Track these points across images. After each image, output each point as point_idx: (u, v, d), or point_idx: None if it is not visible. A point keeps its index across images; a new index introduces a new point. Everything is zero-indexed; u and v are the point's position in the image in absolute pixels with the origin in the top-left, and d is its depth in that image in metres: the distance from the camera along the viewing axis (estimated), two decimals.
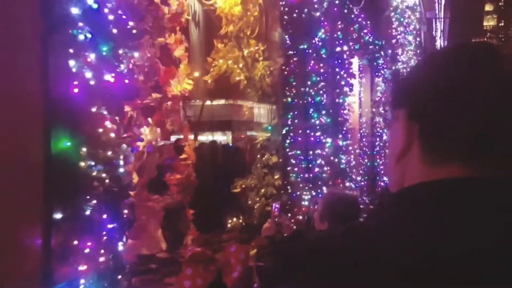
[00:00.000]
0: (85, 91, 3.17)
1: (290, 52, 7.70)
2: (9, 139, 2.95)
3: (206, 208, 7.48)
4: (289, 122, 7.83)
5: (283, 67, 7.65)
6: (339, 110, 8.68)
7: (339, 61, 8.71)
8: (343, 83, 8.81)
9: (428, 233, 0.65)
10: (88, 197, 3.09)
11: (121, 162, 3.33)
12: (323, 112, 7.93)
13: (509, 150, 0.69)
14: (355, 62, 10.50)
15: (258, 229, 7.64)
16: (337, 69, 8.67)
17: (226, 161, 7.95)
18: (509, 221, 0.64)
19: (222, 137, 16.15)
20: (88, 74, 3.17)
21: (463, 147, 0.71)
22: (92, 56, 3.21)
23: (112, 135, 3.21)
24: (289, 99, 7.78)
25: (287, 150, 7.90)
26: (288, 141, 7.91)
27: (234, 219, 7.38)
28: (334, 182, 8.33)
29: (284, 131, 7.78)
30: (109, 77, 3.30)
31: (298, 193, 7.93)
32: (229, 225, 7.32)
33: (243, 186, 7.31)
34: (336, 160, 8.48)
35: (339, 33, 8.70)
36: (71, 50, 3.12)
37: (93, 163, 3.07)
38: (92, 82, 3.20)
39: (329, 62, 8.29)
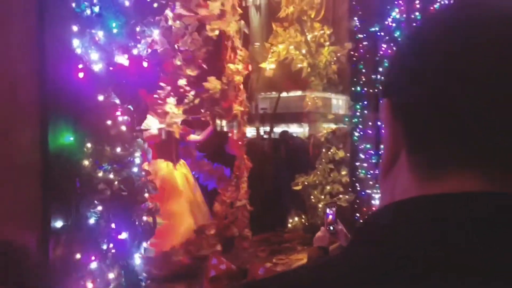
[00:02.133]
0: (91, 76, 2.61)
1: (360, 35, 6.83)
2: (1, 135, 2.45)
3: (265, 205, 6.86)
4: (358, 113, 6.96)
5: (352, 53, 6.79)
6: None
7: None
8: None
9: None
10: (93, 202, 2.54)
11: (137, 160, 2.74)
12: None
13: None
14: None
15: None
16: None
17: (287, 155, 7.26)
18: None
19: (298, 129, 15.58)
20: (95, 56, 2.61)
21: (465, 149, 0.50)
22: (100, 34, 2.64)
23: (124, 128, 2.63)
24: (358, 88, 6.92)
25: (356, 143, 7.06)
26: (356, 134, 7.06)
27: (296, 218, 6.66)
28: None
29: (352, 123, 6.94)
30: (122, 60, 2.72)
31: (367, 191, 7.06)
32: (289, 225, 6.62)
33: (306, 183, 6.56)
34: None
35: (416, 13, 7.65)
36: (74, 27, 2.58)
37: (99, 162, 2.51)
38: (99, 66, 2.64)
39: None
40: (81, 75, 2.56)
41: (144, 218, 2.79)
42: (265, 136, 9.71)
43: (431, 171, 0.52)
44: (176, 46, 4.46)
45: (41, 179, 2.43)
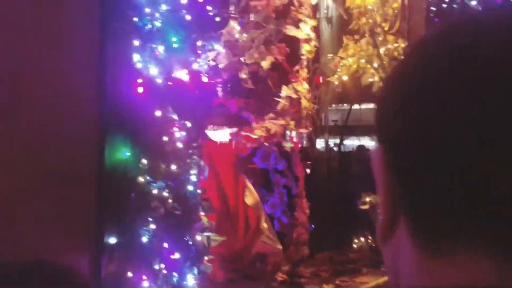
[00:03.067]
0: (150, 91, 2.54)
1: None
2: (58, 147, 2.43)
3: (329, 223, 6.58)
4: None
5: None
6: None
7: None
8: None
9: None
10: (146, 220, 2.46)
11: (192, 178, 2.63)
12: None
13: None
14: None
15: None
16: None
17: (355, 171, 6.95)
18: None
19: (370, 142, 15.12)
20: (154, 71, 2.54)
21: (476, 223, 0.37)
22: (160, 49, 2.57)
23: (180, 145, 2.53)
24: None
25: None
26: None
27: (362, 239, 6.32)
28: None
29: None
30: (182, 75, 2.64)
31: None
32: (354, 245, 6.29)
33: (373, 201, 6.21)
34: None
35: None
36: (135, 42, 2.52)
37: (153, 178, 2.43)
38: (159, 80, 2.57)
39: None
40: (140, 89, 2.50)
41: (198, 237, 2.67)
42: (335, 149, 9.47)
43: (436, 248, 0.40)
44: (242, 59, 4.37)
45: (96, 194, 2.38)
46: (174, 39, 2.53)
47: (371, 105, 7.26)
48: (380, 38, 6.06)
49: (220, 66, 4.02)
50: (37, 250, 2.16)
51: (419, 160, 0.39)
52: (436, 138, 0.38)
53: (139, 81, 2.49)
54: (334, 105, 11.61)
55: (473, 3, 6.46)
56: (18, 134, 2.36)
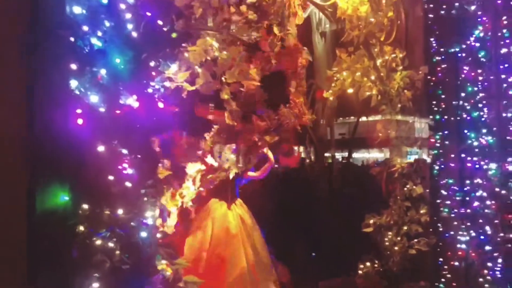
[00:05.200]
0: (92, 122, 2.12)
1: (437, 57, 5.96)
2: None
3: (331, 247, 6.07)
4: (438, 144, 6.04)
5: (428, 77, 5.93)
6: (506, 126, 6.52)
7: (506, 65, 6.60)
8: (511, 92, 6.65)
9: None
10: (89, 277, 2.01)
11: (149, 222, 2.19)
12: (484, 130, 5.94)
13: None
14: None
15: (400, 277, 5.96)
16: (503, 76, 6.56)
17: (357, 191, 6.45)
18: None
19: (379, 155, 14.60)
20: (96, 98, 2.11)
21: None
22: (103, 73, 2.15)
23: (129, 184, 2.10)
24: (437, 116, 6.02)
25: (436, 178, 6.13)
26: (437, 167, 6.13)
27: (368, 264, 5.79)
28: (502, 219, 6.21)
29: (431, 154, 6.02)
30: (131, 101, 2.21)
31: (451, 233, 6.06)
32: (360, 271, 5.75)
33: (377, 223, 5.70)
34: (504, 191, 6.33)
35: (504, 30, 6.62)
36: (72, 66, 2.11)
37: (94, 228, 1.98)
38: (102, 109, 2.14)
39: (491, 68, 6.27)
40: (80, 121, 2.07)
41: None
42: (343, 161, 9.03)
43: None
44: (223, 78, 3.94)
45: (26, 247, 1.94)
46: (118, 60, 2.10)
47: (378, 117, 6.78)
48: (376, 49, 5.61)
49: (196, 87, 3.60)
50: None
51: None
52: None
53: (78, 111, 2.06)
54: (341, 118, 11.16)
55: (473, 8, 6.00)
56: None
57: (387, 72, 5.73)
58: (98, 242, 2.00)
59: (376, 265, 5.78)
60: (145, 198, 2.18)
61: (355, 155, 12.15)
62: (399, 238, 5.90)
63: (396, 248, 5.83)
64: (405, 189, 5.97)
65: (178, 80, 2.91)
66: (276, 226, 5.54)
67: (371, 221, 5.64)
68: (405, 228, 5.89)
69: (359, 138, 9.27)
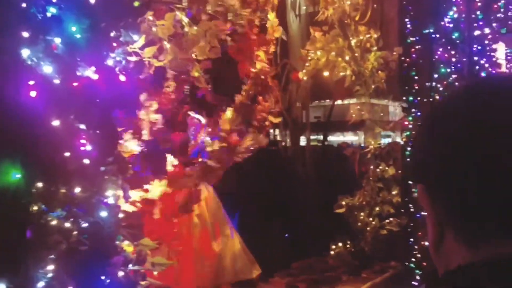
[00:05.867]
0: (46, 95, 1.97)
1: (411, 38, 5.90)
2: None
3: (305, 229, 6.05)
4: (411, 126, 6.02)
5: (402, 58, 5.88)
6: None
7: (478, 47, 6.61)
8: (483, 75, 6.68)
9: None
10: (44, 260, 1.89)
11: (110, 201, 2.07)
12: None
13: None
14: (501, 49, 8.18)
15: (371, 257, 5.99)
16: (475, 58, 6.59)
17: (330, 173, 6.43)
18: None
19: (353, 138, 14.65)
20: (50, 69, 1.97)
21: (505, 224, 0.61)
22: (57, 41, 2.01)
23: (87, 161, 1.97)
24: (410, 97, 5.98)
25: (408, 159, 6.11)
26: (409, 148, 6.13)
27: (340, 244, 5.79)
28: None
29: (403, 137, 6.01)
30: (90, 73, 2.07)
31: (422, 213, 6.08)
32: (332, 252, 5.75)
33: (350, 204, 5.69)
34: None
35: (478, 12, 6.61)
36: (24, 34, 1.95)
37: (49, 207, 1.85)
38: (57, 81, 2.00)
39: (464, 50, 6.26)
40: (32, 93, 1.92)
41: (121, 273, 2.11)
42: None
43: (479, 243, 0.64)
44: (194, 55, 3.80)
45: None
46: (74, 28, 1.95)
47: (353, 100, 6.73)
48: (351, 29, 5.53)
49: (165, 63, 3.46)
50: None
51: (461, 194, 0.63)
52: (467, 182, 0.61)
53: (31, 82, 1.90)
54: (316, 101, 11.09)
55: None
56: None
57: (361, 52, 5.67)
58: (54, 222, 1.87)
59: (348, 245, 5.79)
60: (105, 176, 2.05)
61: (330, 138, 12.16)
62: (371, 219, 5.92)
63: (368, 228, 5.85)
64: (378, 170, 5.98)
65: (145, 56, 2.78)
66: (250, 209, 5.47)
67: (344, 202, 5.63)
68: (377, 209, 5.91)
69: (334, 121, 9.25)
